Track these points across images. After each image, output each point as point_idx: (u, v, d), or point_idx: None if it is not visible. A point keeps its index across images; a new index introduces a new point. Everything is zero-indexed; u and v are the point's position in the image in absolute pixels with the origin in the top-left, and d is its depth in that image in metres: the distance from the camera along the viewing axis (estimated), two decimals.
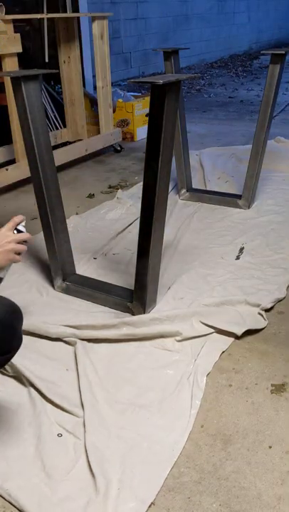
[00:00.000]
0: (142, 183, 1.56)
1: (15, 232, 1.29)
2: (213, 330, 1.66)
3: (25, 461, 1.21)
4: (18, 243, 1.27)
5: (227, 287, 1.91)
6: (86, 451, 1.22)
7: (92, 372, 1.47)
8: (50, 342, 1.63)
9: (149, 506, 1.10)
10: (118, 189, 3.02)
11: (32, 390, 1.42)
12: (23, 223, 1.33)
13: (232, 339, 1.64)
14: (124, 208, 2.73)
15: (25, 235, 1.29)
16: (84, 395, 1.39)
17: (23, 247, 1.27)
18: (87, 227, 2.52)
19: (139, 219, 1.63)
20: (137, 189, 3.00)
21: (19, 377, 1.46)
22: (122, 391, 1.42)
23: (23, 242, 1.29)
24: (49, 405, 1.37)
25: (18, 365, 1.46)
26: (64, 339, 1.62)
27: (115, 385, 1.45)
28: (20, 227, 1.31)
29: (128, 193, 2.98)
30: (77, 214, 2.68)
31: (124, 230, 2.47)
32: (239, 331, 1.63)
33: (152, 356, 1.56)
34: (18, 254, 1.27)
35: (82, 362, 1.51)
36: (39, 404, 1.37)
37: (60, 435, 1.28)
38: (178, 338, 1.61)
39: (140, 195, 1.59)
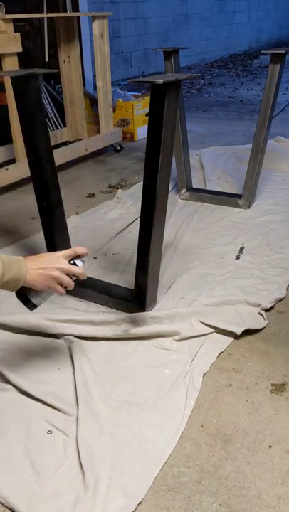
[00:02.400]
0: (142, 183, 1.56)
1: (71, 262, 1.21)
2: (212, 330, 1.65)
3: (15, 460, 1.21)
4: (67, 275, 1.18)
5: (227, 287, 1.91)
6: (78, 446, 1.22)
7: (88, 368, 1.48)
8: (44, 340, 1.63)
9: (139, 504, 1.10)
10: (118, 189, 3.02)
11: (20, 389, 1.41)
12: (84, 258, 1.24)
13: (231, 339, 1.63)
14: (124, 208, 2.73)
15: (77, 270, 1.20)
16: (79, 390, 1.39)
17: (69, 281, 1.18)
18: (87, 226, 2.52)
19: (139, 218, 1.62)
20: (137, 188, 3.00)
21: (7, 377, 1.45)
22: (117, 388, 1.43)
23: (74, 276, 1.20)
24: (40, 404, 1.37)
25: (6, 368, 1.46)
26: (62, 337, 1.62)
27: (111, 382, 1.45)
28: (77, 261, 1.22)
29: (128, 192, 2.98)
30: (77, 214, 2.68)
31: (124, 229, 2.47)
32: (238, 331, 1.63)
33: (150, 355, 1.56)
34: (64, 287, 1.19)
35: (78, 359, 1.51)
36: (29, 404, 1.37)
37: (50, 432, 1.28)
38: (176, 337, 1.61)
39: (140, 195, 1.59)
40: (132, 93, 4.54)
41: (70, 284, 1.19)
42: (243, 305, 1.76)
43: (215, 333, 1.65)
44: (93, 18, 3.30)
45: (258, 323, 1.69)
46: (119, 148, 3.88)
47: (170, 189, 2.85)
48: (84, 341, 1.61)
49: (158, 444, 1.25)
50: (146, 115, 3.72)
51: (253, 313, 1.74)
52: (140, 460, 1.20)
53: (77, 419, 1.30)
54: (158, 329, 1.63)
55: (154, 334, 1.62)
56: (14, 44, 2.71)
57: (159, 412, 1.34)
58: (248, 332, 1.65)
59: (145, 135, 1.54)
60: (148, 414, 1.33)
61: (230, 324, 1.66)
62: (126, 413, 1.34)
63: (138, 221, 1.65)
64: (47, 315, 1.71)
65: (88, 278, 1.94)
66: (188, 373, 1.47)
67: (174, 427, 1.29)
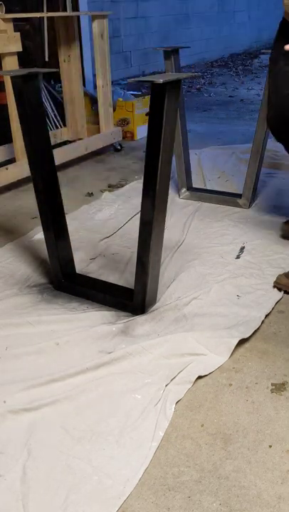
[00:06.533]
0: (132, 184, 1.55)
1: None
2: (200, 352, 1.54)
3: None
4: None
5: (225, 286, 1.91)
6: (29, 486, 1.12)
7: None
8: None
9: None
10: (118, 188, 3.01)
11: None
12: None
13: (218, 364, 1.52)
14: (113, 209, 2.68)
15: None
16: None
17: None
18: (78, 227, 2.49)
19: (132, 219, 1.60)
20: (126, 190, 2.94)
21: None
22: (82, 415, 1.33)
23: None
24: None
25: None
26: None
27: (78, 407, 1.35)
28: None
29: (118, 192, 2.91)
30: (66, 214, 2.66)
31: (119, 229, 2.45)
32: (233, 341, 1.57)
33: (123, 378, 1.45)
34: None
35: None
36: None
37: None
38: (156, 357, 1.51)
39: (129, 196, 1.58)
40: (132, 92, 4.54)
41: None
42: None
43: (203, 356, 1.53)
44: (93, 18, 3.30)
45: (248, 331, 1.64)
46: (119, 147, 3.88)
47: (170, 188, 2.83)
48: None
49: (118, 481, 1.15)
50: (147, 114, 3.72)
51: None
52: (96, 499, 1.10)
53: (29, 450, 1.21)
54: (143, 345, 1.54)
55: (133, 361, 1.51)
56: (14, 43, 2.71)
57: (125, 444, 1.24)
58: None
59: (145, 134, 1.54)
60: (112, 446, 1.24)
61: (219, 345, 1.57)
62: (88, 444, 1.24)
63: (132, 221, 1.63)
64: (41, 317, 1.70)
65: (88, 277, 1.96)
66: (161, 399, 1.37)
67: (138, 462, 1.20)
